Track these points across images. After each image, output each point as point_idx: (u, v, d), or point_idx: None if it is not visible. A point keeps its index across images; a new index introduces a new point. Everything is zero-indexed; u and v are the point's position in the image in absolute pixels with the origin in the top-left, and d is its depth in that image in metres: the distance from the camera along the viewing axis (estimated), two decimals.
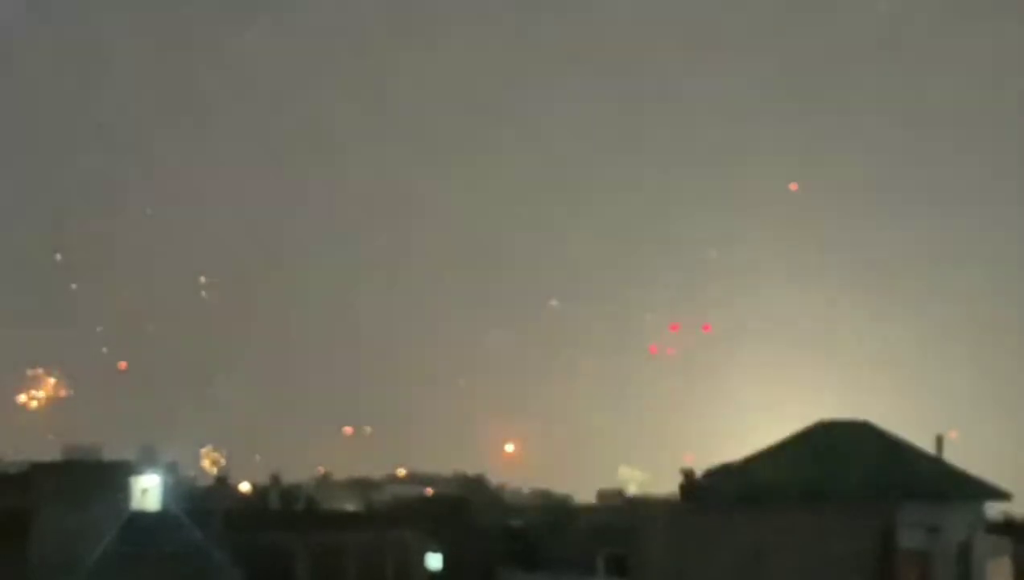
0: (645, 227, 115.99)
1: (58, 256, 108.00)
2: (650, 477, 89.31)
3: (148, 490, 54.78)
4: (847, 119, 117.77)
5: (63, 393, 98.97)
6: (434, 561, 62.94)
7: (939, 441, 40.22)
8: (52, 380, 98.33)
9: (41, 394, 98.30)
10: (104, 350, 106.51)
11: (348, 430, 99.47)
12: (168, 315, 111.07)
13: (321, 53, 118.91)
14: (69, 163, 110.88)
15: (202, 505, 59.06)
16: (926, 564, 37.92)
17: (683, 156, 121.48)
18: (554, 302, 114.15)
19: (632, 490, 75.97)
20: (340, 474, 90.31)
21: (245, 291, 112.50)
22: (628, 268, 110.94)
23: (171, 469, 59.31)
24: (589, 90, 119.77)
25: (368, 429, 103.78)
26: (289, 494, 70.78)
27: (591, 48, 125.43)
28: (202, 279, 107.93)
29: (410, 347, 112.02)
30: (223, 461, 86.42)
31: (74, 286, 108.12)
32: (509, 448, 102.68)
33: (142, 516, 51.05)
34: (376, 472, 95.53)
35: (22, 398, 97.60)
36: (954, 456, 40.51)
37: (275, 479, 71.71)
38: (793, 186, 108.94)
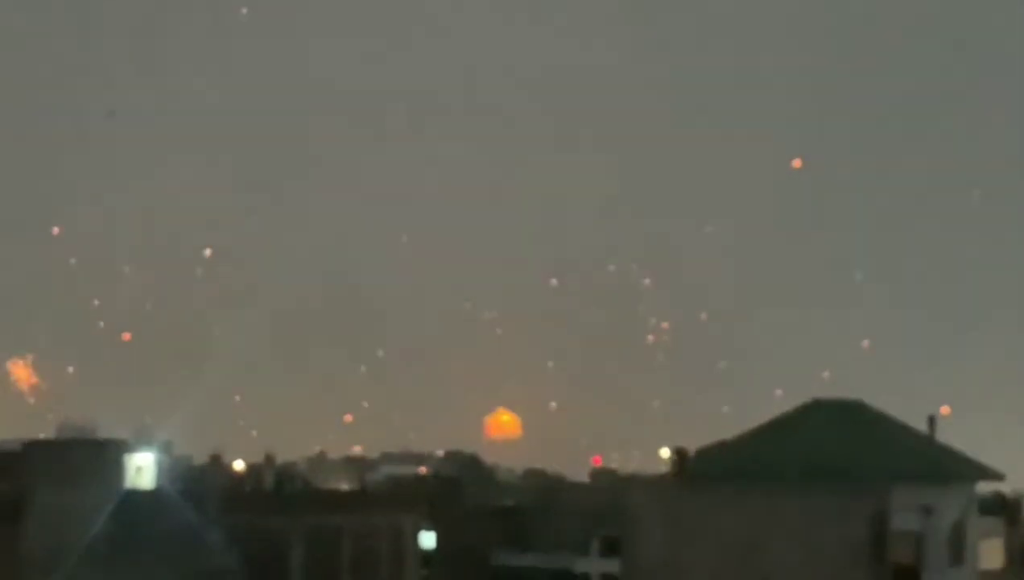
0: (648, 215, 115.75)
1: (55, 230, 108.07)
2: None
3: (142, 468, 54.80)
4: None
5: (36, 381, 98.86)
6: (428, 540, 63.17)
7: (931, 421, 40.27)
8: (28, 362, 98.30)
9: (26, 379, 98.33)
10: (101, 324, 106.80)
11: (348, 417, 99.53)
12: (166, 292, 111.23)
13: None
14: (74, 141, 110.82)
15: (196, 484, 59.21)
16: (919, 545, 37.99)
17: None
18: (554, 281, 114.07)
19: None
20: (335, 453, 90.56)
21: (243, 269, 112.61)
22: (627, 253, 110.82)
23: (166, 448, 59.38)
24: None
25: (365, 403, 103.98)
26: (283, 473, 70.89)
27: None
28: (207, 252, 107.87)
29: (407, 327, 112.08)
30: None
31: (73, 261, 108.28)
32: (505, 418, 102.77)
33: (136, 495, 51.02)
34: (370, 451, 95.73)
35: (16, 375, 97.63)
36: (946, 434, 40.60)
37: (269, 458, 71.73)
38: (796, 163, 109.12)
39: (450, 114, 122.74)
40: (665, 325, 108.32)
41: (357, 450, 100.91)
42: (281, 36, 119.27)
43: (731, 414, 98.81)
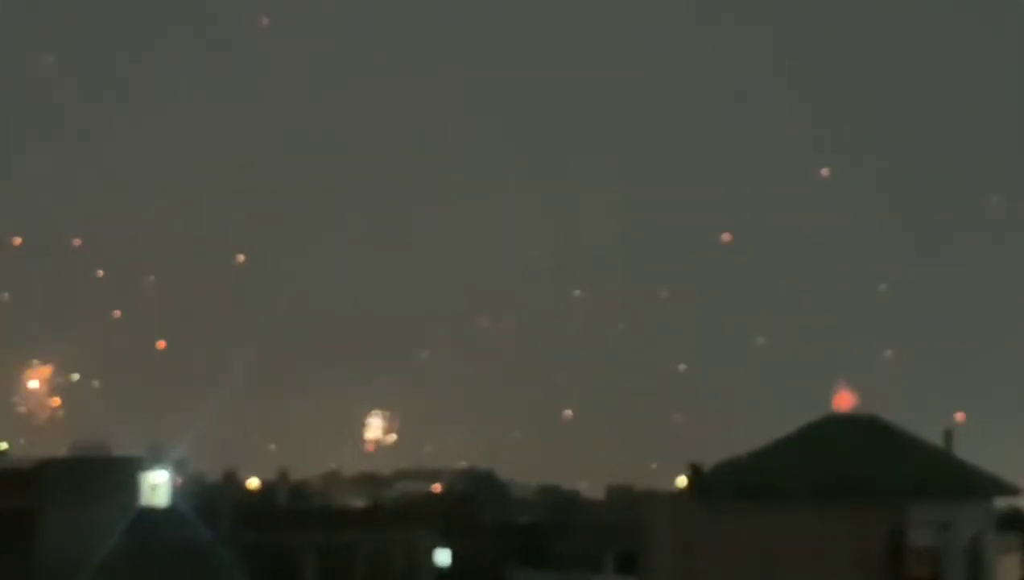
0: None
1: (77, 242, 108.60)
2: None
3: (157, 486, 54.82)
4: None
5: (55, 398, 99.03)
6: (442, 558, 62.95)
7: (948, 436, 40.04)
8: (49, 370, 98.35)
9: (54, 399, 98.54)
10: (118, 337, 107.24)
11: (370, 447, 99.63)
12: (184, 304, 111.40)
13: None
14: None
15: (210, 502, 59.12)
16: (936, 561, 37.74)
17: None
18: (577, 293, 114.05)
19: None
20: (349, 470, 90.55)
21: (255, 280, 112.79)
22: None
23: (180, 465, 59.39)
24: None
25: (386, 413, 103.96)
26: (297, 491, 70.84)
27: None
28: (240, 258, 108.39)
29: (416, 339, 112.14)
30: None
31: (100, 273, 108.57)
32: (517, 435, 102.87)
33: (150, 512, 51.06)
34: (384, 468, 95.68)
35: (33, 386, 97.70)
36: (963, 449, 40.36)
37: (283, 475, 71.67)
38: (824, 172, 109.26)
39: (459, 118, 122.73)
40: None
41: (371, 467, 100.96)
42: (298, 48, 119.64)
43: (745, 429, 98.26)
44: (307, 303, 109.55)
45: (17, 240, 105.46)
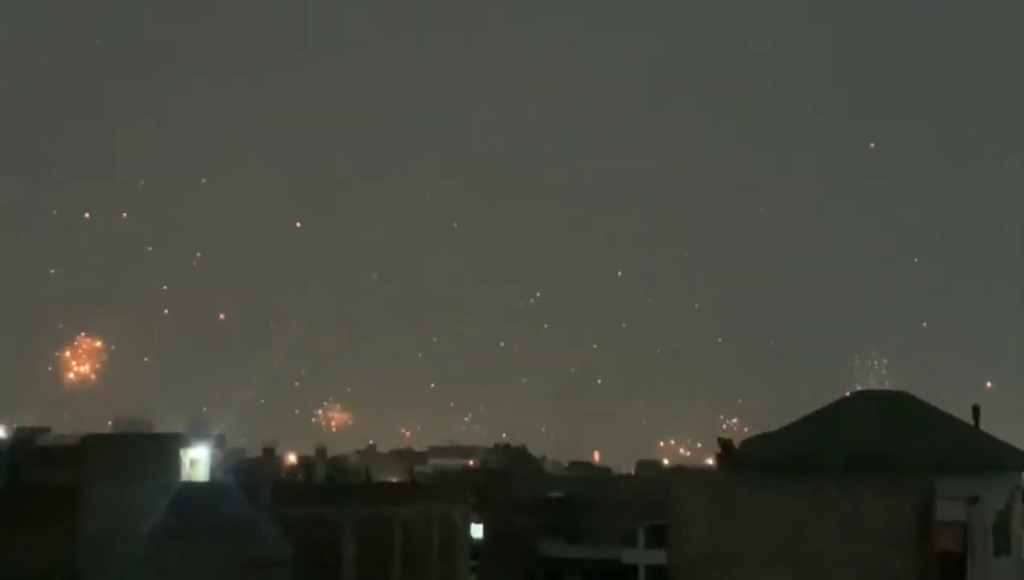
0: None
1: (124, 214, 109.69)
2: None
3: (197, 462, 55.96)
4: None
5: (103, 362, 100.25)
6: (476, 531, 63.84)
7: (976, 411, 40.37)
8: (98, 344, 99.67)
9: (85, 367, 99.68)
10: (166, 311, 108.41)
11: (407, 434, 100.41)
12: (225, 280, 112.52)
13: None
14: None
15: (250, 476, 60.23)
16: (964, 535, 38.12)
17: None
18: (619, 273, 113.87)
19: None
20: (384, 446, 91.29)
21: (298, 260, 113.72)
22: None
23: (220, 441, 60.51)
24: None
25: (432, 386, 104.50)
26: (335, 466, 71.77)
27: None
28: (298, 225, 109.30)
29: (458, 317, 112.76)
30: None
31: (150, 249, 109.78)
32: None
33: (191, 487, 52.15)
34: (420, 444, 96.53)
35: (71, 366, 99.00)
36: (991, 424, 40.71)
37: (321, 451, 72.68)
38: (871, 146, 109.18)
39: (493, 110, 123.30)
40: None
41: (407, 442, 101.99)
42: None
43: (774, 405, 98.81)
44: (348, 277, 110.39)
45: (87, 215, 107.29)
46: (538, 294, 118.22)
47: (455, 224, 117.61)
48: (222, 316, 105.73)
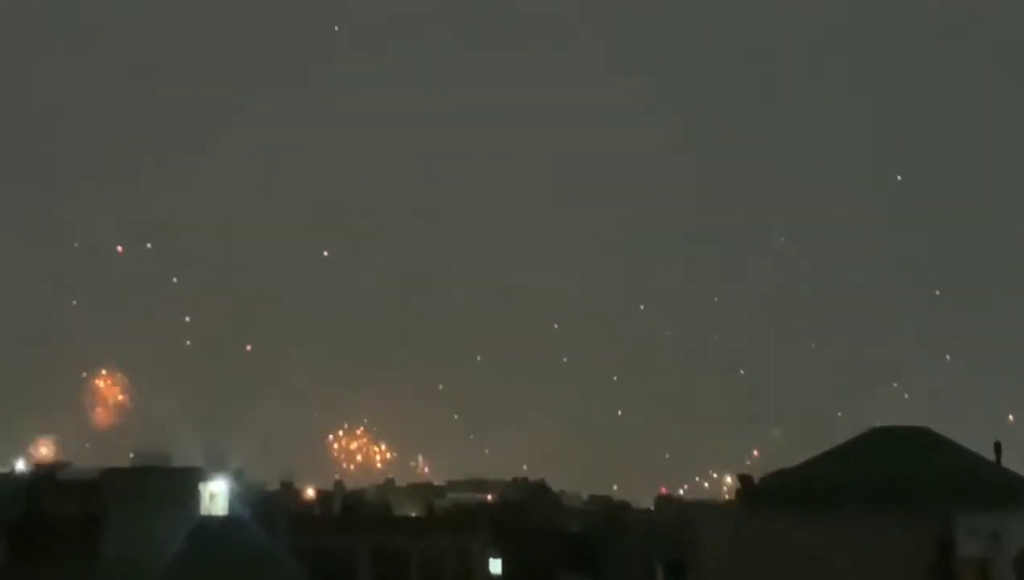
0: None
1: (148, 245, 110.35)
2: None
3: (216, 495, 55.97)
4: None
5: (123, 397, 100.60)
6: (494, 566, 63.60)
7: (997, 448, 40.17)
8: (120, 378, 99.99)
9: (113, 394, 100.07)
10: (188, 343, 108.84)
11: (424, 467, 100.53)
12: (244, 313, 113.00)
13: None
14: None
15: (268, 509, 60.17)
16: (985, 571, 37.87)
17: None
18: (642, 306, 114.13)
19: None
20: (403, 479, 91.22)
21: (314, 289, 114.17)
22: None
23: (238, 474, 60.52)
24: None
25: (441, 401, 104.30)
26: (353, 500, 71.72)
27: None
28: (324, 254, 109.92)
29: (477, 350, 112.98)
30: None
31: (175, 280, 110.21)
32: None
33: (210, 520, 52.15)
34: (438, 478, 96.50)
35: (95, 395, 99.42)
36: (1012, 460, 40.51)
37: (339, 484, 72.71)
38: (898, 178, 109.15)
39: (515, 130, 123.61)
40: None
41: (424, 477, 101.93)
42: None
43: (794, 438, 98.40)
44: (365, 312, 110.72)
45: (120, 249, 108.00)
46: (556, 326, 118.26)
47: (472, 257, 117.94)
48: (248, 347, 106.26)
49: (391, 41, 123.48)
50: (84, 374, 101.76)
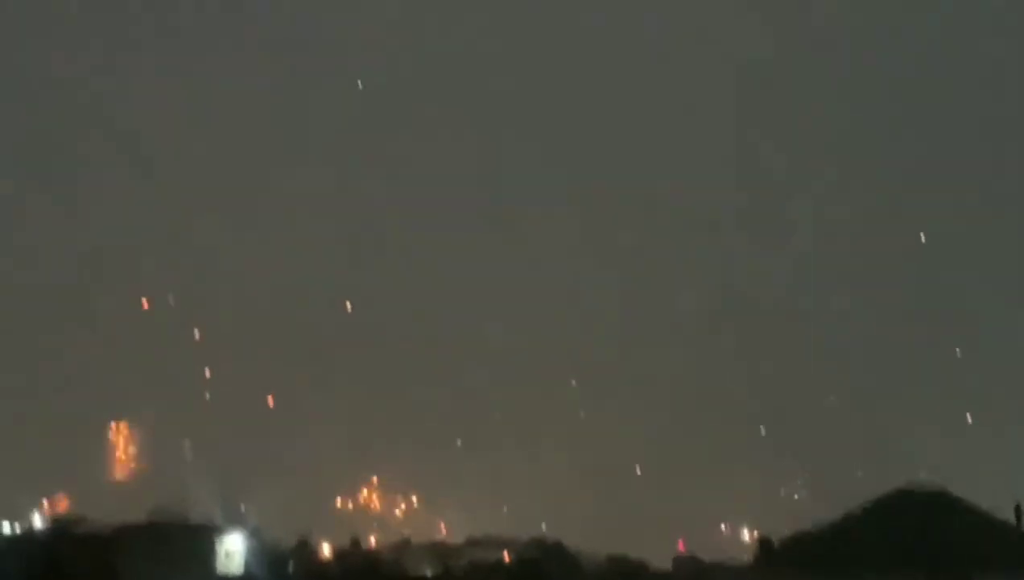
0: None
1: (171, 298, 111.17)
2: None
3: (232, 553, 55.78)
4: None
5: (140, 452, 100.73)
6: None
7: (1018, 510, 39.97)
8: (137, 434, 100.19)
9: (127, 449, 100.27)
10: (208, 396, 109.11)
11: (443, 529, 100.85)
12: (271, 365, 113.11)
13: None
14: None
15: (283, 568, 59.93)
16: None
17: None
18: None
19: None
20: (419, 538, 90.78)
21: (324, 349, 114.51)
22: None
23: (255, 532, 60.26)
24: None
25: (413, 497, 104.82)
26: (369, 558, 71.32)
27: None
28: (348, 305, 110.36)
29: (489, 412, 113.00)
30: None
31: (196, 333, 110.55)
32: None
33: (225, 579, 52.00)
34: (455, 537, 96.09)
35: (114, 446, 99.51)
36: None
37: (355, 543, 72.30)
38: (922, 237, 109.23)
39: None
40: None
41: (442, 536, 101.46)
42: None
43: (815, 498, 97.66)
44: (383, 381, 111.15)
45: (145, 303, 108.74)
46: (573, 382, 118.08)
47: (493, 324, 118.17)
48: (271, 400, 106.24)
49: None
50: (102, 427, 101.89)
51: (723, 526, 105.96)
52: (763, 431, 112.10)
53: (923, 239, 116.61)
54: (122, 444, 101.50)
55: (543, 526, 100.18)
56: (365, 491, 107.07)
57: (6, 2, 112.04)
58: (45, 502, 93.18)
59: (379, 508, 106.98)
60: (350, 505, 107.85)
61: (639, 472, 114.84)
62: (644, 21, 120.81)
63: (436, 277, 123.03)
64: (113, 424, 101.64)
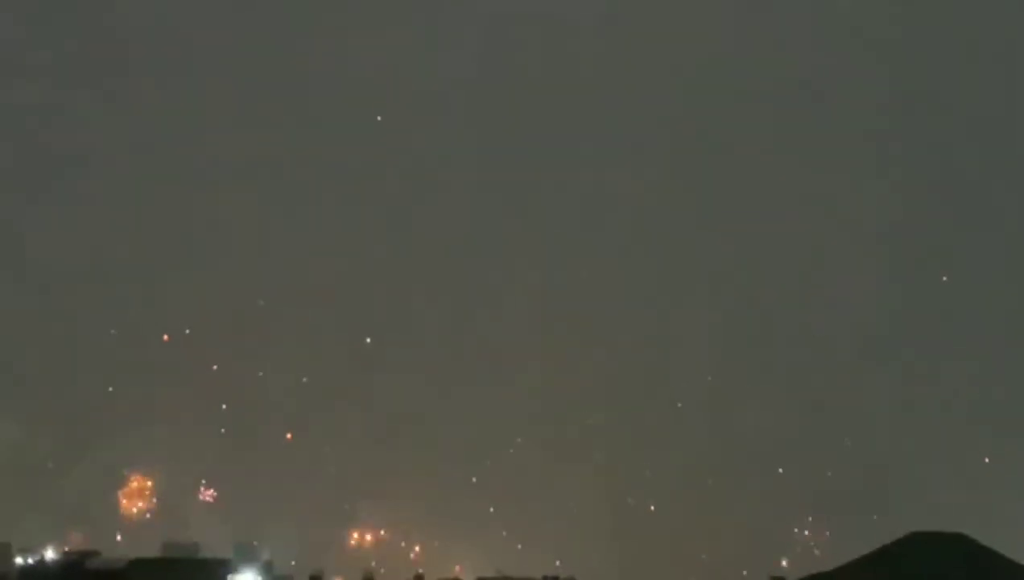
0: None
1: (187, 331, 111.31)
2: None
3: None
4: None
5: (153, 502, 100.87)
6: None
7: None
8: (148, 484, 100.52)
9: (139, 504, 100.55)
10: (223, 431, 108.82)
11: (457, 569, 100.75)
12: (282, 402, 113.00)
13: None
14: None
15: None
16: None
17: None
18: (680, 404, 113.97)
19: None
20: (432, 576, 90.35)
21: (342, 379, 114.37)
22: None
23: (267, 567, 60.14)
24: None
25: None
26: None
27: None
28: (367, 340, 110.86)
29: (510, 441, 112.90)
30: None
31: (215, 367, 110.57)
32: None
33: None
34: (466, 576, 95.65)
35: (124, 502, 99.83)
36: None
37: (369, 578, 72.02)
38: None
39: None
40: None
41: (456, 573, 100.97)
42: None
43: (831, 540, 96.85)
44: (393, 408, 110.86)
45: (166, 337, 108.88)
46: (590, 418, 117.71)
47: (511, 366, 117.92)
48: (288, 436, 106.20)
49: None
50: (115, 468, 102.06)
51: (744, 573, 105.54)
52: (780, 471, 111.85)
53: (944, 279, 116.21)
54: (137, 487, 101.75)
55: (558, 563, 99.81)
56: (379, 530, 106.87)
57: None
58: (64, 537, 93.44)
59: (392, 545, 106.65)
60: (367, 539, 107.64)
61: (652, 509, 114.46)
62: None
63: (453, 309, 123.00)
64: (129, 474, 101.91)
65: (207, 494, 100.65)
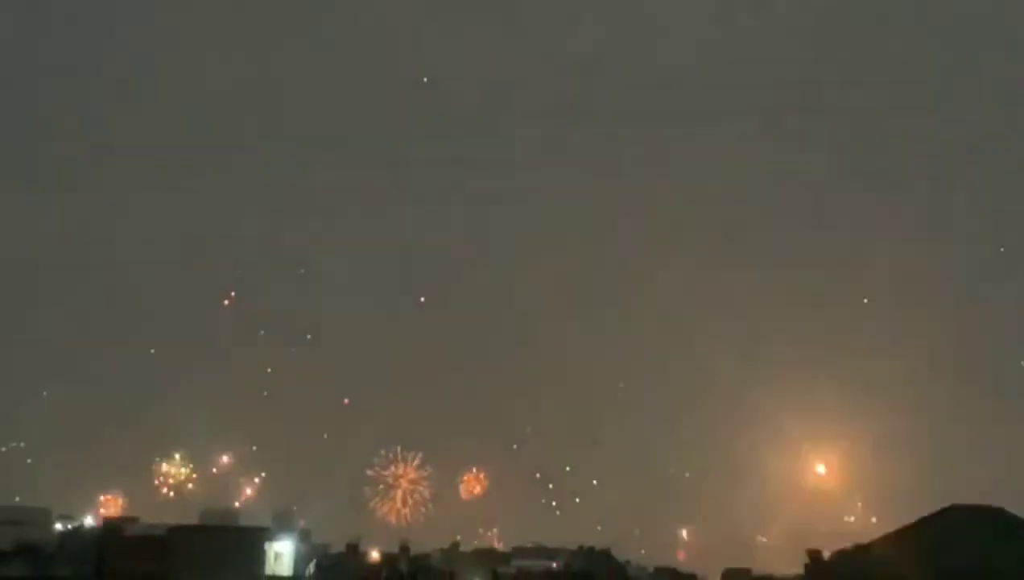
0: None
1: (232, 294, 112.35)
2: None
3: (281, 555, 56.17)
4: None
5: (192, 469, 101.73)
6: None
7: None
8: (184, 470, 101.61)
9: (181, 471, 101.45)
10: (265, 394, 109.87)
11: (493, 536, 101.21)
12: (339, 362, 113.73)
13: None
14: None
15: (333, 572, 60.25)
16: None
17: None
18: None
19: None
20: (468, 544, 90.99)
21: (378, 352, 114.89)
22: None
23: (304, 535, 60.67)
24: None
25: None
26: (418, 563, 71.44)
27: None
28: (422, 299, 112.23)
29: (541, 415, 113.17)
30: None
31: (269, 370, 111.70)
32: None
33: None
34: (504, 544, 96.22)
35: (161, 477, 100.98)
36: None
37: (404, 548, 72.41)
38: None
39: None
40: None
41: (491, 543, 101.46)
42: None
43: (867, 513, 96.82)
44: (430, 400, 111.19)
45: (226, 301, 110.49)
46: (622, 384, 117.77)
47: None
48: (346, 401, 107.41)
49: None
50: (156, 436, 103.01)
51: (761, 538, 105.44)
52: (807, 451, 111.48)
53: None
54: (174, 470, 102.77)
55: (599, 527, 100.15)
56: (417, 492, 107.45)
57: None
58: (101, 499, 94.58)
59: (431, 512, 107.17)
60: (403, 510, 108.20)
61: (687, 475, 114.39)
62: None
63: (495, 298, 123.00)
64: (163, 461, 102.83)
65: (247, 462, 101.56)
